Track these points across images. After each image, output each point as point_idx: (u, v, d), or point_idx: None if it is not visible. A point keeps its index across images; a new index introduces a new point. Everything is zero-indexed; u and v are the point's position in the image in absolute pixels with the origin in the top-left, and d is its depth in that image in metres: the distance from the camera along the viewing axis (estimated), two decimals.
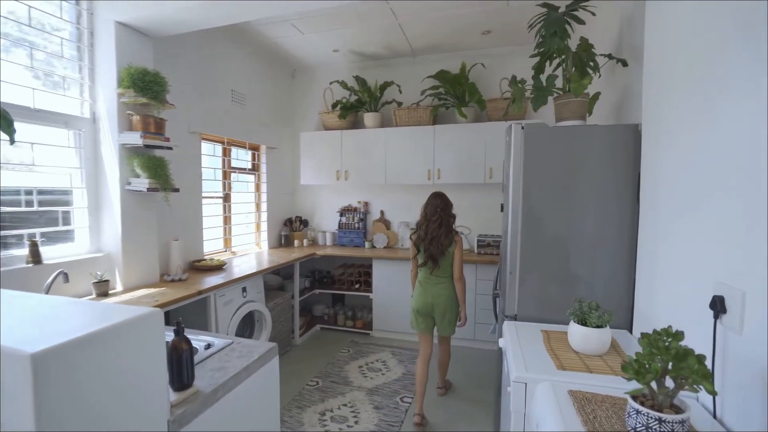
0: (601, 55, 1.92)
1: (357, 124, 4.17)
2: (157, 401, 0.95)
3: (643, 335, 0.99)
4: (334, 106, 3.96)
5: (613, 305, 1.78)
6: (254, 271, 2.91)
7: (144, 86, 2.20)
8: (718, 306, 1.09)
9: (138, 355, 0.89)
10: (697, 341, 1.13)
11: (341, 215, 4.32)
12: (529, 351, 1.54)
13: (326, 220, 4.47)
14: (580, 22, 1.81)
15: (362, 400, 2.64)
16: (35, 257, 1.95)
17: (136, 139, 2.22)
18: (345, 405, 2.58)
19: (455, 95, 3.64)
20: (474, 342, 3.51)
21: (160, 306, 2.03)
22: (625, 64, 1.84)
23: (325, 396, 2.69)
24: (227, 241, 3.57)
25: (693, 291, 1.24)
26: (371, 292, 3.83)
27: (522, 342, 1.63)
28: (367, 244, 4.16)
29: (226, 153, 3.53)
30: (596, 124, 2.10)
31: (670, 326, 0.97)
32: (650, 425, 0.90)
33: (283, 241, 4.23)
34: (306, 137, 4.14)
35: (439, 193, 2.55)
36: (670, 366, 0.90)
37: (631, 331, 1.77)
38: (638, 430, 0.92)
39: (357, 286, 3.98)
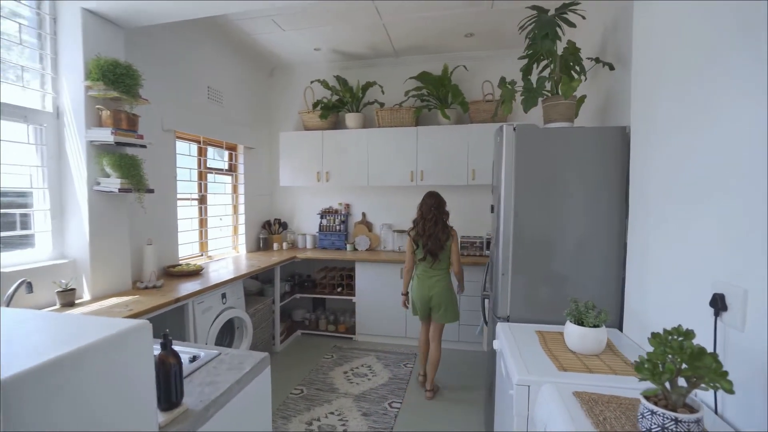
0: (588, 58, 1.96)
1: (338, 125, 4.09)
2: (144, 425, 0.85)
3: (654, 335, 0.99)
4: (314, 105, 3.87)
5: (603, 305, 1.80)
6: (233, 276, 2.77)
7: (115, 79, 2.04)
8: (718, 304, 1.11)
9: (123, 375, 0.79)
10: (695, 338, 1.15)
11: (322, 217, 4.23)
12: (528, 353, 1.53)
13: (306, 223, 4.36)
14: (571, 24, 1.84)
15: (350, 407, 2.56)
16: None
17: (106, 135, 2.06)
18: (332, 413, 2.49)
19: (438, 97, 3.65)
20: (458, 344, 3.51)
21: (134, 316, 1.88)
22: (611, 67, 1.88)
23: (311, 404, 2.59)
24: (203, 245, 3.39)
25: (689, 290, 1.26)
26: (354, 295, 3.75)
27: (519, 344, 1.62)
28: (348, 247, 4.08)
29: (201, 153, 3.36)
30: (583, 126, 2.14)
31: (680, 325, 0.97)
32: (666, 425, 0.90)
33: (261, 245, 4.08)
34: (285, 137, 4.02)
35: (433, 193, 2.75)
36: (683, 365, 0.90)
37: (621, 330, 1.81)
38: (653, 430, 0.92)
39: (339, 289, 3.90)
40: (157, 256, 2.62)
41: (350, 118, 3.88)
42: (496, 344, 1.84)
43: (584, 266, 1.89)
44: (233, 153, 3.81)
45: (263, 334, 3.25)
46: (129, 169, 2.15)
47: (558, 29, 1.81)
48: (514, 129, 1.91)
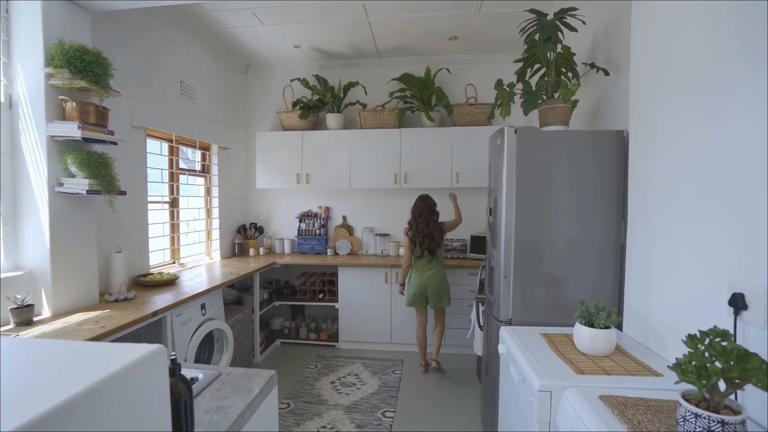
0: (583, 63, 2.00)
1: (318, 125, 3.96)
2: None
3: (690, 337, 0.99)
4: (294, 105, 3.72)
5: (604, 296, 1.85)
6: (210, 285, 2.57)
7: (83, 67, 1.82)
8: (739, 303, 1.13)
9: (139, 411, 0.66)
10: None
11: (300, 221, 4.07)
12: (540, 357, 1.51)
13: (284, 227, 4.18)
14: (572, 29, 1.86)
15: (342, 420, 2.45)
16: None
17: (71, 130, 1.83)
18: (324, 427, 2.37)
19: (421, 99, 3.63)
20: (444, 347, 3.48)
21: (108, 333, 1.67)
22: (606, 73, 1.93)
23: (300, 419, 2.45)
24: (174, 252, 3.14)
25: (703, 290, 1.29)
26: (336, 301, 3.63)
27: (529, 348, 1.59)
28: (329, 251, 3.96)
29: (173, 152, 3.11)
30: (577, 129, 2.19)
31: (715, 326, 0.98)
32: (712, 428, 0.89)
33: (236, 251, 3.85)
34: (262, 138, 3.83)
35: (424, 196, 3.06)
36: (726, 367, 0.90)
37: (620, 329, 1.84)
38: (697, 430, 0.91)
39: (321, 295, 3.76)
40: (127, 265, 2.37)
41: (331, 118, 3.77)
42: (501, 348, 1.82)
43: (581, 268, 1.92)
44: (206, 153, 3.57)
45: (243, 345, 3.05)
46: (98, 168, 1.92)
47: (559, 33, 1.83)
48: (516, 131, 1.91)
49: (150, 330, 2.07)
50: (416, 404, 2.67)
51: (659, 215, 1.54)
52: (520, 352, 1.57)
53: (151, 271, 2.74)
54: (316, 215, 4.07)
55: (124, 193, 2.08)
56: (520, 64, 2.14)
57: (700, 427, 0.91)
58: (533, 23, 1.89)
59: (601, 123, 2.15)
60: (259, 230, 4.06)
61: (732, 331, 1.15)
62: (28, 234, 1.87)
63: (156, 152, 2.89)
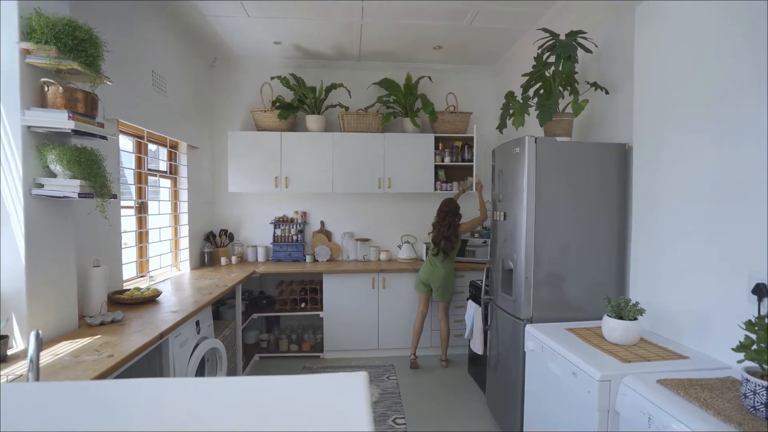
0: (585, 82, 2.21)
1: (295, 127, 3.79)
2: None
3: (748, 323, 1.16)
4: (273, 104, 3.51)
5: (608, 294, 2.06)
6: (199, 299, 2.31)
7: (75, 45, 1.52)
8: (763, 291, 1.35)
9: None
10: (733, 323, 1.38)
11: (276, 227, 3.83)
12: (581, 350, 1.62)
13: (256, 234, 3.90)
14: (587, 50, 2.06)
15: None
16: None
17: (58, 120, 1.51)
18: None
19: (404, 105, 3.68)
20: (427, 349, 3.54)
21: (120, 364, 1.42)
22: (606, 92, 2.16)
23: None
24: (143, 265, 2.74)
25: (721, 283, 1.51)
26: (320, 310, 3.49)
27: (563, 343, 1.70)
28: (308, 258, 3.79)
29: (142, 150, 2.73)
30: (580, 141, 2.40)
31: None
32: None
33: (206, 260, 3.49)
34: (235, 137, 3.55)
35: (449, 200, 3.27)
36: None
37: None
38: (764, 401, 1.07)
39: (303, 305, 3.57)
40: (105, 282, 2.02)
41: (311, 120, 3.63)
42: (531, 345, 1.92)
43: (588, 267, 2.10)
44: (174, 152, 3.20)
45: (228, 363, 2.77)
46: (90, 166, 1.62)
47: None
48: (536, 141, 2.04)
49: (148, 355, 1.79)
50: (422, 408, 2.68)
51: (667, 217, 1.77)
52: (564, 347, 1.67)
53: (125, 287, 2.36)
54: (292, 220, 3.87)
55: (115, 196, 1.77)
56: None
57: None
58: (550, 41, 2.04)
59: (594, 135, 2.39)
60: (230, 237, 3.74)
61: (756, 315, 1.37)
62: None
63: (125, 150, 2.51)
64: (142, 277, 2.70)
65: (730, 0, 1.46)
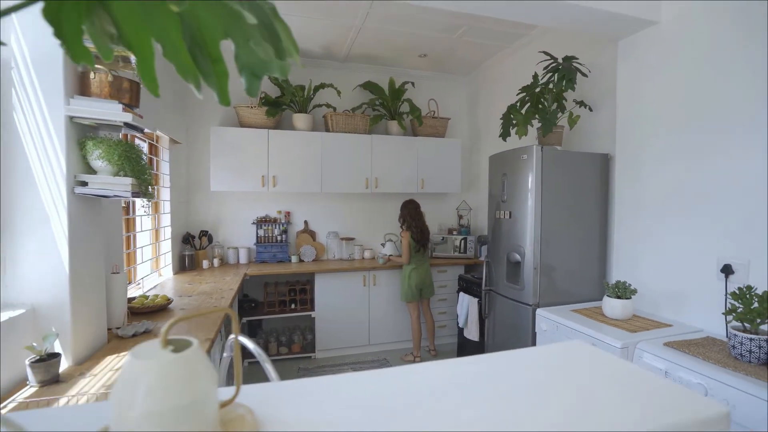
0: (573, 100, 2.59)
1: (280, 125, 3.69)
2: None
3: (732, 293, 1.55)
4: (261, 101, 3.39)
5: (591, 283, 2.47)
6: (218, 303, 2.21)
7: None
8: (730, 270, 1.78)
9: None
10: (703, 296, 1.82)
11: (258, 227, 3.70)
12: (593, 326, 1.95)
13: (237, 235, 3.71)
14: (584, 74, 2.41)
15: None
16: None
17: (111, 111, 1.38)
18: None
19: (389, 108, 3.81)
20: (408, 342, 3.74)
21: None
22: (590, 109, 2.56)
23: None
24: (130, 272, 2.48)
25: (695, 264, 1.93)
26: (311, 310, 3.47)
27: (576, 322, 2.02)
28: (294, 258, 3.73)
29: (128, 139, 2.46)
30: (567, 150, 2.78)
31: (748, 285, 1.55)
32: (760, 344, 1.44)
33: (187, 264, 3.24)
34: (218, 133, 3.35)
35: (412, 200, 3.48)
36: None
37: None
38: (750, 349, 1.45)
39: (293, 306, 3.52)
40: (126, 289, 1.84)
41: (299, 118, 3.58)
42: (544, 326, 2.22)
43: (576, 257, 2.48)
44: (154, 146, 2.92)
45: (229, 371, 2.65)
46: (137, 162, 1.49)
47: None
48: (542, 149, 2.34)
49: None
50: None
51: (647, 216, 2.18)
52: (579, 324, 1.98)
53: (133, 295, 2.14)
54: (275, 221, 3.77)
55: (152, 195, 1.64)
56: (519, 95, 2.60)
57: (754, 346, 1.45)
58: (552, 63, 2.36)
59: (580, 146, 2.78)
60: (209, 239, 3.51)
61: (723, 291, 1.80)
62: (26, 253, 1.31)
63: None
64: (130, 283, 2.45)
65: (697, 40, 1.89)
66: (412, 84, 3.96)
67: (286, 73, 0.49)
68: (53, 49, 1.32)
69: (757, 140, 1.67)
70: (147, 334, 1.69)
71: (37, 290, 1.32)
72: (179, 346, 0.47)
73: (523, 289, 2.44)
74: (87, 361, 1.41)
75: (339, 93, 3.65)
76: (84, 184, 1.39)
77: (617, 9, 1.98)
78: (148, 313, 1.99)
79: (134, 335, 1.66)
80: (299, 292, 3.54)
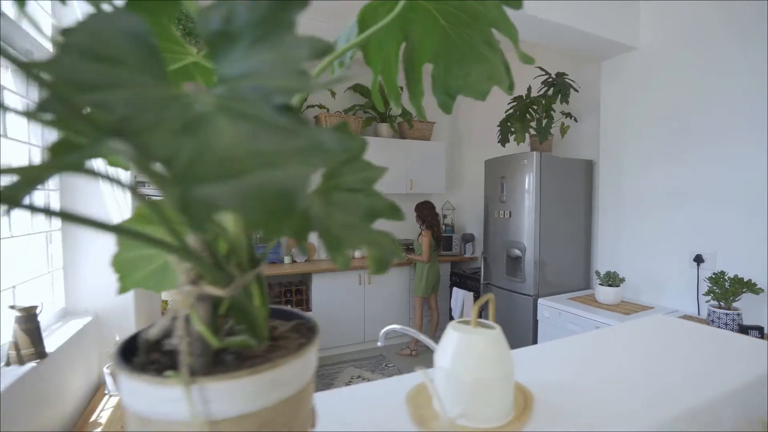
0: (560, 112, 2.90)
1: None
2: None
3: (710, 278, 1.90)
4: None
5: (578, 274, 2.80)
6: None
7: (192, 29, 1.38)
8: (701, 259, 2.16)
9: None
10: (678, 282, 2.18)
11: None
12: (592, 311, 2.24)
13: None
14: (576, 90, 2.71)
15: None
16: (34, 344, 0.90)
17: None
18: None
19: (378, 111, 3.92)
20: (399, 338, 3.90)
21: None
22: (576, 120, 2.88)
23: None
24: None
25: (671, 256, 2.30)
26: (308, 310, 3.47)
27: (576, 308, 2.30)
28: (287, 259, 3.69)
29: None
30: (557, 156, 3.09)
31: (722, 271, 1.91)
32: (734, 318, 1.79)
33: None
34: None
35: (426, 201, 3.65)
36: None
37: (589, 287, 2.82)
38: (726, 322, 1.80)
39: (288, 307, 3.47)
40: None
41: None
42: (545, 314, 2.48)
43: (564, 251, 2.80)
44: None
45: None
46: None
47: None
48: (541, 155, 2.61)
49: None
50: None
51: (628, 215, 2.54)
52: (580, 310, 2.26)
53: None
54: None
55: None
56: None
57: (729, 319, 1.80)
58: (549, 79, 2.63)
59: (566, 152, 3.11)
60: None
61: (696, 277, 2.18)
62: (88, 260, 1.24)
63: None
64: None
65: (673, 63, 2.25)
66: (401, 88, 4.08)
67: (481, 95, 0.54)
68: None
69: (723, 149, 2.05)
70: None
71: (100, 296, 1.25)
72: (485, 327, 0.56)
73: (524, 281, 2.69)
74: None
75: (333, 94, 3.67)
76: (143, 183, 1.34)
77: (599, 32, 2.24)
78: None
79: None
80: (294, 293, 3.52)
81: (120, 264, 0.40)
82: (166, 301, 2.03)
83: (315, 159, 0.20)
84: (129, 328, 1.30)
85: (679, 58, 2.24)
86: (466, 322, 0.56)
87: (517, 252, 2.73)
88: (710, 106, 2.10)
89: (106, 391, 1.15)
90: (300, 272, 3.43)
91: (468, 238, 4.11)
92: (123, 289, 0.42)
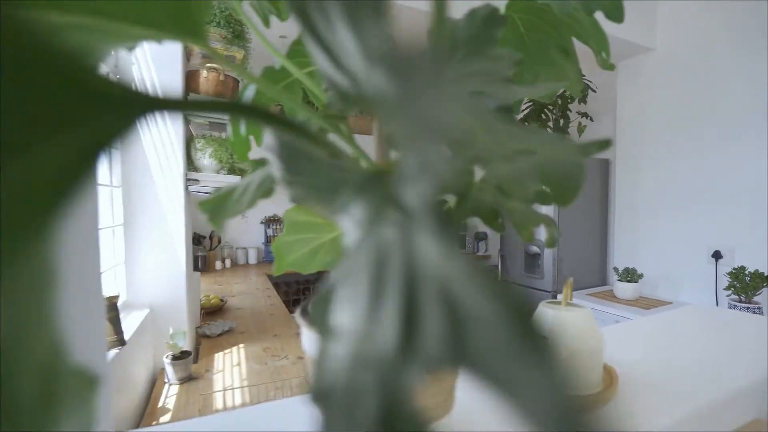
0: (577, 112, 2.95)
1: None
2: None
3: (730, 272, 1.95)
4: None
5: (594, 271, 2.85)
6: (251, 307, 2.23)
7: (240, 32, 1.43)
8: (720, 255, 2.20)
9: None
10: (696, 278, 2.22)
11: (267, 226, 3.66)
12: (612, 307, 2.29)
13: (244, 235, 3.63)
14: (593, 90, 2.76)
15: None
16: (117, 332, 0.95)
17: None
18: None
19: None
20: None
21: None
22: (591, 119, 2.94)
23: None
24: None
25: (689, 251, 2.35)
26: None
27: (596, 303, 2.35)
28: None
29: None
30: None
31: (741, 266, 1.96)
32: (754, 311, 1.84)
33: (200, 265, 3.13)
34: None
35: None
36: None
37: (606, 284, 2.87)
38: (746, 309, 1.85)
39: None
40: (199, 287, 1.81)
41: None
42: None
43: (581, 247, 2.85)
44: None
45: None
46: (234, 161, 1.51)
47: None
48: None
49: None
50: None
51: (645, 213, 2.59)
52: (601, 306, 2.31)
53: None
54: (281, 219, 3.74)
55: None
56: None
57: (750, 312, 1.85)
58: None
59: None
60: (218, 239, 3.40)
61: (714, 273, 2.22)
62: (145, 254, 1.30)
63: None
64: None
65: (690, 63, 2.30)
66: None
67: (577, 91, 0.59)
68: (173, 45, 1.31)
69: (741, 145, 2.10)
70: (230, 332, 1.69)
71: (156, 289, 1.31)
72: (573, 307, 0.61)
73: (543, 278, 2.74)
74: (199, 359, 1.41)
75: None
76: (196, 181, 1.39)
77: (616, 33, 2.28)
78: (207, 313, 1.96)
79: (221, 334, 1.66)
80: (312, 291, 3.57)
81: (279, 246, 0.46)
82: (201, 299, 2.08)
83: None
84: (181, 321, 1.35)
85: (695, 59, 2.29)
86: (557, 303, 0.61)
87: (536, 249, 2.78)
88: (726, 105, 2.15)
89: (165, 380, 1.20)
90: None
91: (481, 237, 4.15)
92: (278, 270, 0.47)
